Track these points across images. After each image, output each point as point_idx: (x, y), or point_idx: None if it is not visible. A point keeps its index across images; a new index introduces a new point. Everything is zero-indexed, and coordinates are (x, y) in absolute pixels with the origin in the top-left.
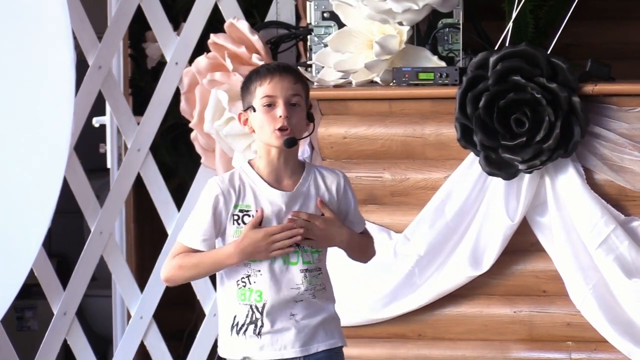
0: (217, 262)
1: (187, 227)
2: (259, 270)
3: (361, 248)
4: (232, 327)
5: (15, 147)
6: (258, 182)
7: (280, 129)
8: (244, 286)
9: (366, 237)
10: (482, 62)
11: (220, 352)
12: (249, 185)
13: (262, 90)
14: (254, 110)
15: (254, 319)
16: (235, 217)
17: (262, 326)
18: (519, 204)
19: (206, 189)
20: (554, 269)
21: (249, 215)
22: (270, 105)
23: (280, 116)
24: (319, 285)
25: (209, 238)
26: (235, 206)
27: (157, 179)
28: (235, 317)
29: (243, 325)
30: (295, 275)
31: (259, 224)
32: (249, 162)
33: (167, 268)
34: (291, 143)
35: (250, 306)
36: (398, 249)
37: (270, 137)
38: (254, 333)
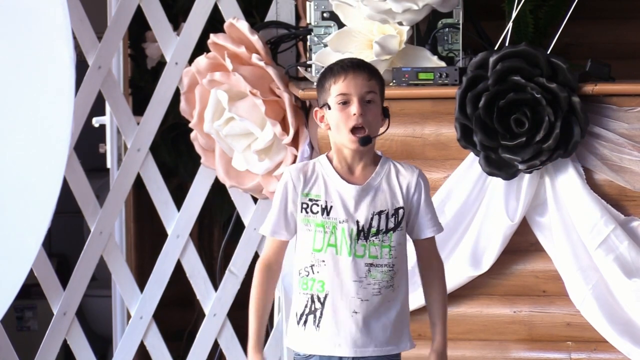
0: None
1: (268, 218)
2: (323, 261)
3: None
4: (294, 317)
5: (15, 147)
6: (331, 174)
7: (355, 128)
8: (307, 275)
9: (441, 286)
10: (481, 62)
11: (286, 342)
12: (322, 176)
13: (336, 88)
14: (329, 108)
15: (313, 309)
16: (304, 205)
17: (321, 317)
18: (518, 204)
19: (280, 180)
20: (554, 269)
21: (318, 205)
22: (345, 103)
23: (355, 114)
24: (386, 282)
25: (278, 229)
26: (305, 194)
27: (157, 179)
28: (295, 306)
29: (302, 315)
30: (360, 268)
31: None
32: (326, 155)
33: (256, 268)
34: (366, 141)
35: (311, 296)
36: None
37: (346, 139)
38: (313, 324)
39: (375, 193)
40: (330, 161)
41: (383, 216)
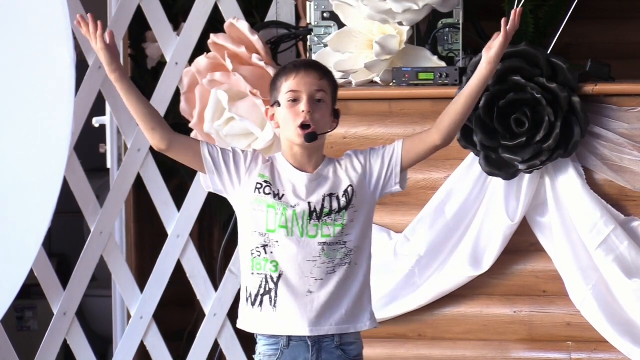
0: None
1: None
2: (277, 241)
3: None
4: (247, 299)
5: (16, 147)
6: (284, 164)
7: (302, 125)
8: (259, 255)
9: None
10: None
11: (238, 323)
12: (276, 166)
13: (287, 86)
14: (279, 105)
15: (267, 289)
16: (258, 186)
17: (276, 297)
18: (519, 204)
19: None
20: (554, 269)
21: (270, 187)
22: (295, 101)
23: (303, 111)
24: (340, 260)
25: (210, 146)
26: (260, 175)
27: (157, 179)
28: (247, 288)
29: (257, 296)
30: (313, 247)
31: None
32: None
33: None
34: (311, 138)
35: (265, 276)
36: (398, 249)
37: (293, 134)
38: (270, 304)
39: (324, 180)
40: (283, 155)
41: (334, 198)
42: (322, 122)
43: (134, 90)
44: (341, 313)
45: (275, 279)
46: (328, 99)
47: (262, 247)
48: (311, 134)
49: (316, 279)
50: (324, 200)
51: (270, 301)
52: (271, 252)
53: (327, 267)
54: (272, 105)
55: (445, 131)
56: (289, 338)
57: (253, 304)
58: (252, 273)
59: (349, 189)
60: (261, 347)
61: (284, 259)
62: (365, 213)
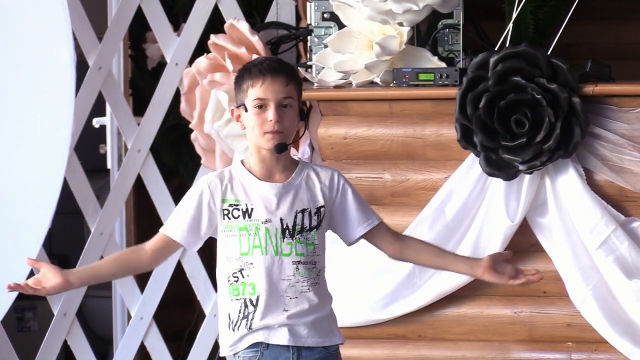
0: None
1: (170, 218)
2: (251, 263)
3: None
4: (229, 325)
5: (16, 147)
6: (248, 177)
7: (270, 132)
8: (236, 281)
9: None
10: (482, 62)
11: (222, 352)
12: (239, 181)
13: (253, 92)
14: (246, 110)
15: (246, 313)
16: (225, 212)
17: (252, 319)
18: (519, 204)
19: (194, 184)
20: (554, 269)
21: (238, 209)
22: (262, 107)
23: (271, 120)
24: (313, 279)
25: (184, 232)
26: (224, 200)
27: (157, 179)
28: (229, 314)
29: (237, 321)
30: (288, 266)
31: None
32: (241, 161)
33: None
34: (281, 149)
35: (244, 300)
36: None
37: (261, 139)
38: (245, 327)
39: (296, 192)
40: (245, 164)
41: (306, 214)
42: (290, 129)
43: (104, 271)
44: (317, 331)
45: (254, 302)
46: (295, 103)
47: (238, 271)
48: (281, 145)
49: (291, 298)
50: (295, 217)
51: (247, 323)
52: (248, 275)
53: (302, 286)
54: (238, 107)
55: (401, 259)
56: (269, 346)
57: (234, 329)
58: (232, 300)
59: (322, 210)
60: (240, 353)
61: (260, 279)
62: (325, 236)
